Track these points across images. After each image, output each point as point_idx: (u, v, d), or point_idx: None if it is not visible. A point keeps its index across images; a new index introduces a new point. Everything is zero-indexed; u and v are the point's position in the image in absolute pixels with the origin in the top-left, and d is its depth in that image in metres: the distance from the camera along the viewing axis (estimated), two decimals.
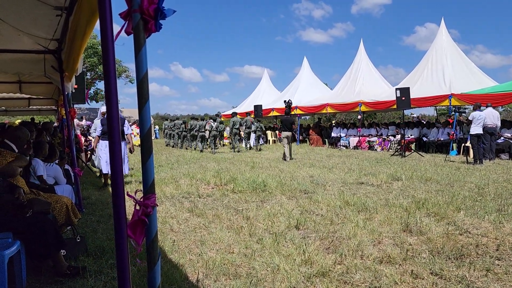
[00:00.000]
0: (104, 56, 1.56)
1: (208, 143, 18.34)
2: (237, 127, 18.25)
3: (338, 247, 3.99)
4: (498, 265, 3.47)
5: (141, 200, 1.66)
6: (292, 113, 22.45)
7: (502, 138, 13.13)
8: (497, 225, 4.65)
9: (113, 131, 1.62)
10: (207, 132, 17.58)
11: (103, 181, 8.46)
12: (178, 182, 8.32)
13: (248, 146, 19.54)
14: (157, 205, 1.69)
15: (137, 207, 1.66)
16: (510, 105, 20.48)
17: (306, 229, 4.70)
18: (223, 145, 22.89)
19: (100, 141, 8.10)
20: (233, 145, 18.33)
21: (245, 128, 19.13)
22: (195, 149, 19.06)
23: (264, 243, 4.14)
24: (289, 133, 13.69)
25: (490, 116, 12.03)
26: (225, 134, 22.31)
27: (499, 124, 12.46)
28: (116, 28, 1.65)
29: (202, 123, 18.24)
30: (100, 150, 8.12)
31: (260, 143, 20.36)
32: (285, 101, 14.79)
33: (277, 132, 24.18)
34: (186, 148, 20.06)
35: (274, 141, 25.10)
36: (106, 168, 7.92)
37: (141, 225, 1.63)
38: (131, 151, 8.57)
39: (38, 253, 3.20)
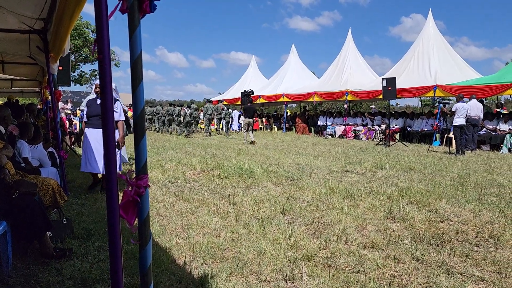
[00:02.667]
0: (98, 33, 1.55)
1: (181, 128, 19.67)
2: (209, 113, 20.02)
3: (323, 233, 4.07)
4: (477, 251, 3.59)
5: (134, 180, 1.67)
6: (280, 100, 22.71)
7: (483, 129, 13.40)
8: (476, 213, 4.79)
9: (106, 114, 1.61)
10: (182, 118, 19.20)
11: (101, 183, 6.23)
12: (164, 167, 8.30)
13: (223, 131, 21.16)
14: (149, 186, 1.71)
15: (129, 188, 1.67)
16: (492, 98, 20.84)
17: (292, 215, 4.76)
18: (202, 129, 23.78)
19: (86, 129, 6.01)
20: (206, 130, 20.11)
21: (217, 114, 20.76)
22: (171, 133, 20.70)
23: (251, 227, 4.19)
24: (250, 120, 15.28)
25: (474, 108, 12.24)
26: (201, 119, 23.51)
27: (482, 116, 12.69)
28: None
29: (178, 109, 20.08)
30: (85, 143, 5.95)
31: (232, 129, 22.17)
32: (245, 91, 15.93)
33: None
34: (171, 133, 20.93)
35: (260, 128, 25.13)
36: (87, 166, 5.81)
37: (133, 205, 1.64)
38: (118, 147, 5.71)
39: (24, 234, 3.19)
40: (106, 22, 1.52)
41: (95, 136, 5.83)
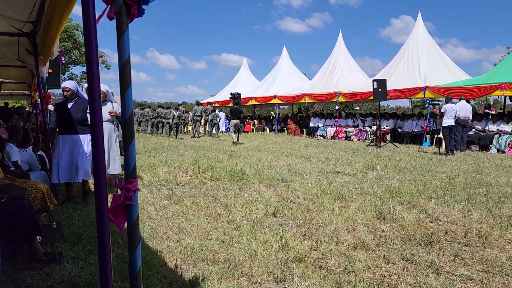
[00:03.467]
0: (86, 40, 1.55)
1: (170, 130, 20.24)
2: (198, 114, 20.70)
3: (314, 234, 4.09)
4: (465, 250, 3.63)
5: (123, 184, 1.68)
6: (271, 102, 22.82)
7: (472, 130, 13.55)
8: (465, 213, 4.84)
9: (95, 115, 1.62)
10: (170, 120, 19.82)
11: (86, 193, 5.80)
12: (156, 169, 8.28)
13: (211, 133, 21.56)
14: (139, 189, 1.71)
15: (119, 192, 1.67)
16: (481, 99, 21.09)
17: (283, 217, 4.78)
18: (189, 131, 24.57)
19: (60, 136, 5.40)
20: (194, 131, 20.87)
21: (205, 116, 21.27)
22: (160, 133, 21.36)
23: (242, 230, 4.20)
24: (237, 121, 15.63)
25: (463, 109, 12.38)
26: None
27: (471, 116, 12.84)
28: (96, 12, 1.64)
29: (167, 111, 20.64)
30: (57, 151, 5.34)
31: (219, 131, 22.55)
32: (231, 93, 16.39)
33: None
34: (156, 134, 21.62)
35: (252, 130, 25.15)
36: (60, 176, 5.31)
37: (122, 209, 1.65)
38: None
39: (14, 238, 3.16)
40: (94, 25, 1.52)
41: (69, 143, 5.34)
